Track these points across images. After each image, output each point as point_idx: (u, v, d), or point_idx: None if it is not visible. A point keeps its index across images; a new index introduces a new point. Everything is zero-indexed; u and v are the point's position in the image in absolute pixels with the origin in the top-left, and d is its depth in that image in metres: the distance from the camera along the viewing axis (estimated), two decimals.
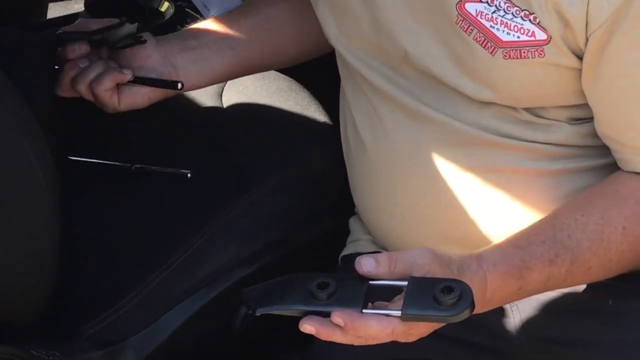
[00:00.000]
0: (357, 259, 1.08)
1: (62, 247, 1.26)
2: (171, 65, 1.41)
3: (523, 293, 1.16)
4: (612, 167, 1.23)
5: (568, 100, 1.23)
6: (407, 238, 1.31)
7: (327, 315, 1.05)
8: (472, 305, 1.02)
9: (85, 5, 2.01)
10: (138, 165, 1.48)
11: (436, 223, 1.28)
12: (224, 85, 1.69)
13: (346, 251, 1.42)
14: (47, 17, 2.11)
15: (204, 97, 1.66)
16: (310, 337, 1.34)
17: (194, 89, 1.47)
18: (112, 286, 1.39)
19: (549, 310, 1.28)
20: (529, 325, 1.29)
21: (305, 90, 1.68)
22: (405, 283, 1.05)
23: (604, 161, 1.25)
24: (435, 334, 1.28)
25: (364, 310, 1.05)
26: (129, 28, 1.40)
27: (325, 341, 1.27)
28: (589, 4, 1.13)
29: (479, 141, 1.25)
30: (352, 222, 1.42)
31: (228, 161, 1.56)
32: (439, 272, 1.07)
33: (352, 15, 1.29)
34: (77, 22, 1.42)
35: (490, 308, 1.16)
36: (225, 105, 1.65)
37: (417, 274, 1.06)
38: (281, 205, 1.50)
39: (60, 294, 1.30)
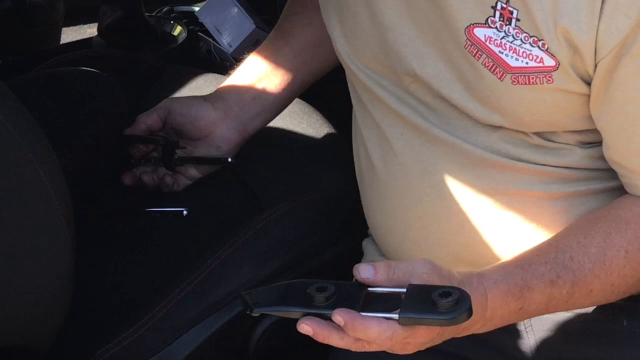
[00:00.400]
0: (356, 266, 1.09)
1: (76, 272, 1.26)
2: (235, 121, 1.52)
3: (524, 313, 1.16)
4: (624, 189, 1.24)
5: (577, 125, 1.23)
6: None
7: (324, 318, 1.06)
8: (470, 310, 1.03)
9: (98, 30, 2.05)
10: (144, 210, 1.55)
11: (448, 245, 1.28)
12: None
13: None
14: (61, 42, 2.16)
15: None
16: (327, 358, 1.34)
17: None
18: (127, 310, 1.38)
19: (564, 331, 1.29)
20: (543, 346, 1.29)
21: (318, 112, 1.69)
22: (404, 290, 1.06)
23: (616, 183, 1.25)
24: (450, 355, 1.28)
25: (361, 313, 1.06)
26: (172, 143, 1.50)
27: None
28: (598, 31, 1.14)
29: (490, 164, 1.25)
30: (366, 244, 1.43)
31: (241, 184, 1.57)
32: (437, 283, 1.08)
33: (361, 33, 1.30)
34: (136, 120, 1.53)
35: (491, 328, 1.16)
36: None
37: (415, 282, 1.07)
38: (295, 228, 1.49)
39: (76, 319, 1.30)
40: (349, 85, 1.39)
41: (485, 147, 1.24)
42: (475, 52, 1.20)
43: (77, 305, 1.29)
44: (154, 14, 2.14)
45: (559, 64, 1.17)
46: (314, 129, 1.66)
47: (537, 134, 1.24)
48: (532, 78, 1.18)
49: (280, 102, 1.53)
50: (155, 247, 1.50)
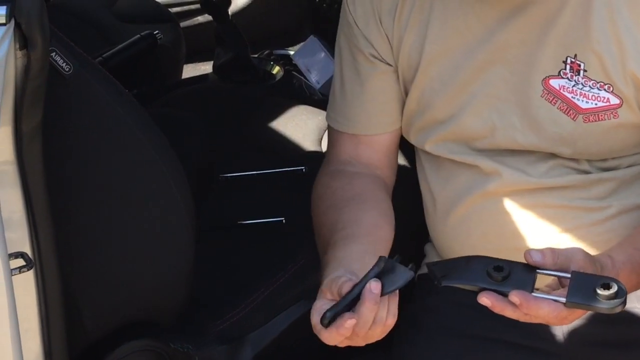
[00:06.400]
0: (526, 251, 1.08)
1: (196, 264, 1.32)
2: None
3: None
4: None
5: (627, 151, 1.29)
6: None
7: (500, 293, 1.06)
8: (625, 302, 1.05)
9: (213, 67, 2.09)
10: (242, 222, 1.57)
11: (501, 251, 1.24)
12: (323, 134, 1.73)
13: (422, 271, 1.42)
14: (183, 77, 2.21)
15: (307, 142, 1.73)
16: (392, 339, 1.32)
17: None
18: (235, 294, 1.45)
19: (589, 318, 1.30)
20: (572, 331, 1.30)
21: None
22: (568, 275, 1.07)
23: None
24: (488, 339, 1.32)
25: (533, 293, 1.06)
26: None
27: (405, 342, 1.32)
28: None
29: (539, 187, 1.28)
30: (428, 248, 1.45)
31: None
32: (589, 268, 1.10)
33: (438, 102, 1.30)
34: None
35: None
36: (324, 150, 1.69)
37: (574, 267, 1.09)
38: None
39: (194, 300, 1.36)
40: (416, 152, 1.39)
41: (538, 175, 1.28)
42: (551, 99, 1.24)
43: (196, 289, 1.35)
44: (257, 55, 2.19)
45: (623, 102, 1.22)
46: None
47: (588, 161, 1.28)
48: (601, 116, 1.23)
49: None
50: (259, 246, 1.53)
